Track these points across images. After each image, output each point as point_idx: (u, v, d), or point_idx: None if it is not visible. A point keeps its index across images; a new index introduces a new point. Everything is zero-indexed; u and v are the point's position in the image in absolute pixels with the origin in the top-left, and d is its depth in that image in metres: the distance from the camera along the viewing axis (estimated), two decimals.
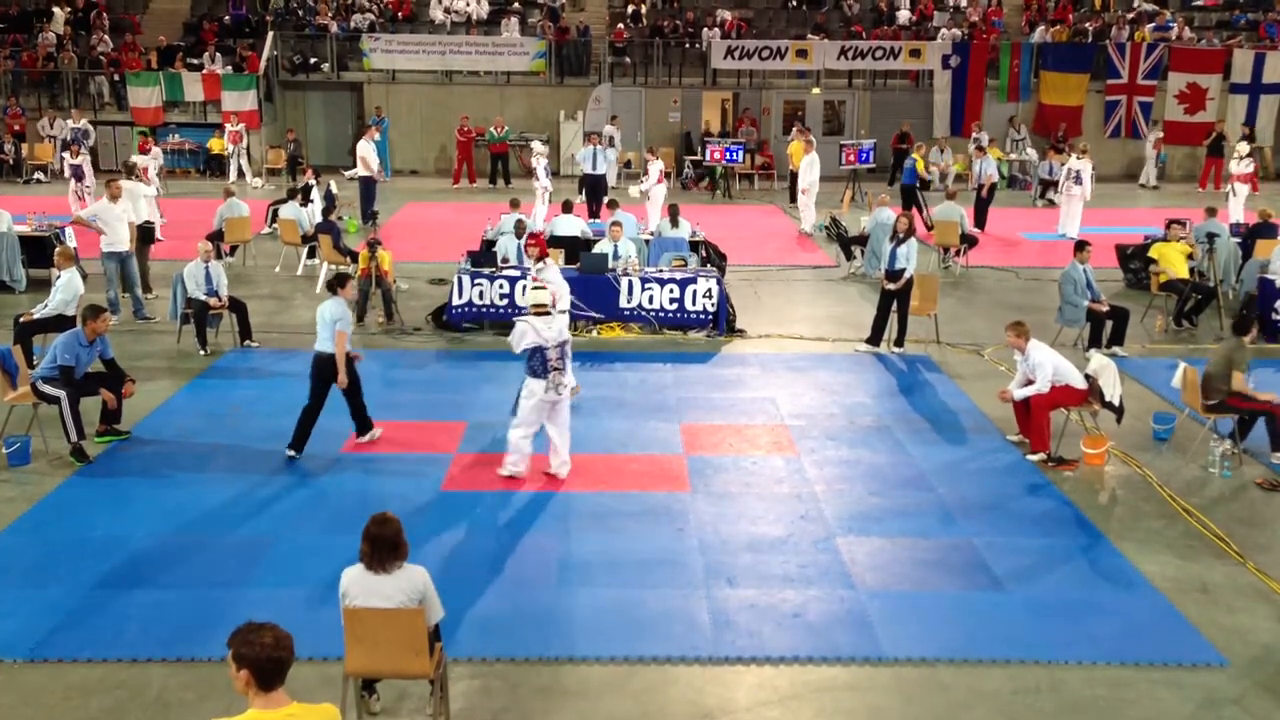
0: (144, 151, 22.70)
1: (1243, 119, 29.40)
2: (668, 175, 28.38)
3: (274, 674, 4.13)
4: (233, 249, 18.33)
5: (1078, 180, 21.45)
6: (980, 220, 21.65)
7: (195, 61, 29.49)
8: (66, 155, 22.65)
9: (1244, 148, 23.11)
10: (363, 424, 10.65)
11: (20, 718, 6.43)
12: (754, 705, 6.67)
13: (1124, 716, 6.58)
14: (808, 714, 6.60)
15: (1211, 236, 15.69)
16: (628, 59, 30.48)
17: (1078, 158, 21.87)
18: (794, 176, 24.10)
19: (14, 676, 6.84)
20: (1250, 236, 16.78)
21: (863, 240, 18.19)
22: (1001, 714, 6.59)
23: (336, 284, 10.36)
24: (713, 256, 16.43)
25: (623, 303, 14.41)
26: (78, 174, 21.54)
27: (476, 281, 14.44)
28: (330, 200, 20.43)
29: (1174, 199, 26.08)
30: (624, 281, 14.43)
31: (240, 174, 27.60)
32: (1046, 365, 10.38)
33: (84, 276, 12.91)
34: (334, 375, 10.11)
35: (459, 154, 28.16)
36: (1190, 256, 15.30)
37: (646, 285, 14.40)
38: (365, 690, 6.46)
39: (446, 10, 30.97)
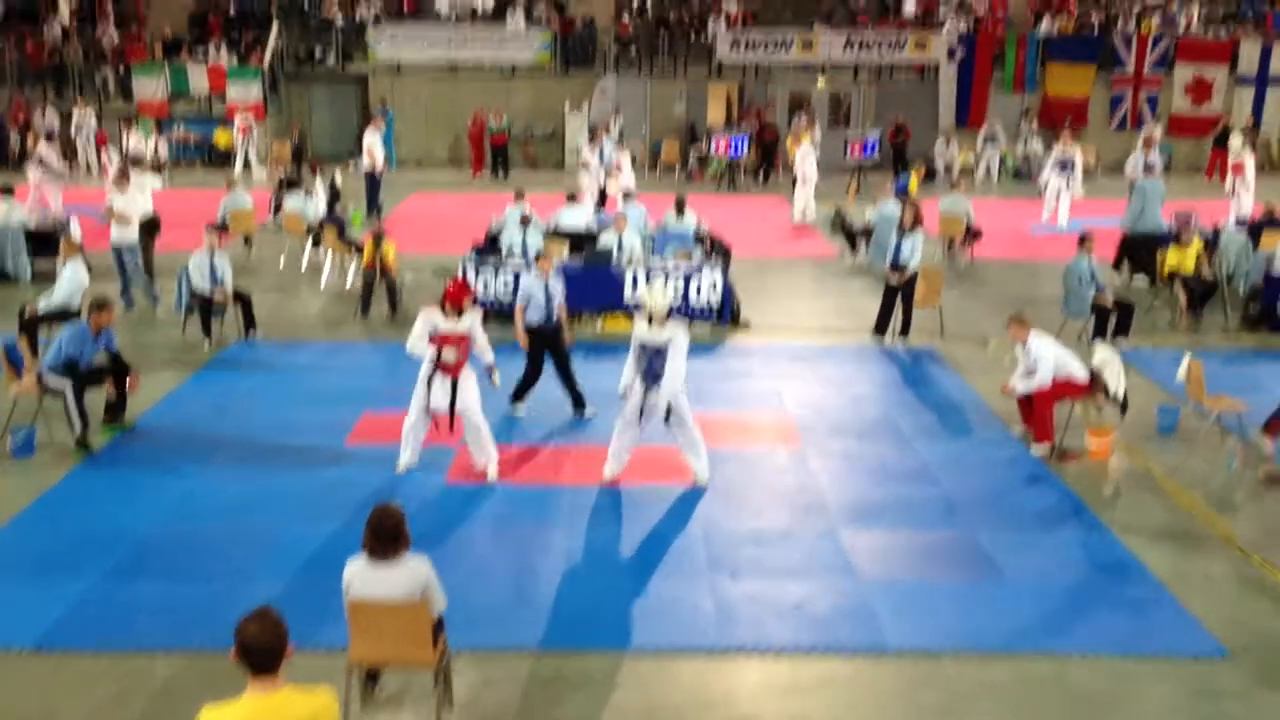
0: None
1: (1249, 111, 29.34)
2: (670, 168, 28.57)
3: (257, 661, 4.16)
4: (247, 239, 18.37)
5: (1063, 168, 21.48)
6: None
7: (200, 53, 29.50)
8: (44, 145, 22.33)
9: (1237, 141, 23.01)
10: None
11: (26, 708, 6.47)
12: (757, 696, 6.69)
13: (1127, 708, 6.59)
14: (810, 705, 6.61)
15: (1215, 230, 15.66)
16: (633, 50, 30.45)
17: (1065, 147, 21.91)
18: None
19: (20, 666, 6.87)
20: (1255, 230, 16.73)
21: (868, 232, 18.17)
22: (1005, 705, 6.60)
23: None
24: (717, 248, 16.41)
25: (627, 295, 14.40)
26: (44, 162, 21.26)
27: (481, 273, 14.44)
28: (335, 192, 20.44)
29: (1179, 192, 25.95)
30: (628, 274, 14.43)
31: (246, 165, 27.63)
32: (1048, 358, 10.36)
33: (89, 269, 12.94)
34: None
35: (474, 146, 28.24)
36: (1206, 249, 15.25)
37: (651, 277, 14.37)
38: (369, 680, 6.49)
39: (451, 3, 30.94)
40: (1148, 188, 17.38)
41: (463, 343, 9.37)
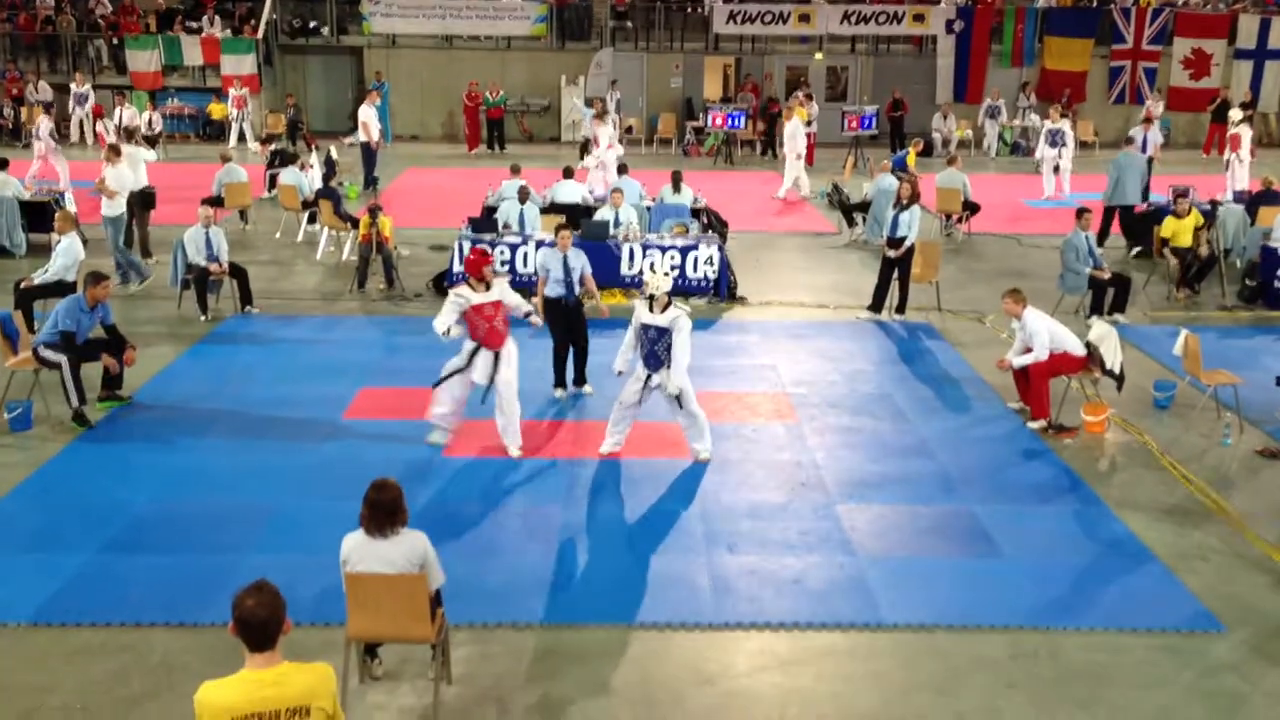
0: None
1: (1247, 85, 29.25)
2: (667, 142, 28.46)
3: (254, 635, 4.17)
4: (242, 212, 18.30)
5: (1052, 143, 21.50)
6: None
7: (194, 25, 29.30)
8: (44, 119, 22.18)
9: (1236, 114, 22.94)
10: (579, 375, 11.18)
11: (24, 681, 6.48)
12: (754, 670, 6.71)
13: (1121, 682, 6.62)
14: (807, 679, 6.64)
15: (1214, 204, 15.62)
16: (629, 23, 30.28)
17: (1053, 123, 21.91)
18: None
19: (17, 640, 6.88)
20: (1253, 204, 16.71)
21: (864, 207, 18.13)
22: (1000, 679, 6.63)
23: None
24: (714, 223, 16.38)
25: (624, 270, 14.38)
26: (40, 137, 21.18)
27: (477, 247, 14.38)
28: (330, 166, 20.34)
29: (1177, 166, 25.93)
30: (625, 248, 14.40)
31: (241, 138, 27.50)
32: (1042, 333, 10.36)
33: (85, 242, 12.90)
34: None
35: (468, 120, 28.11)
36: (1201, 226, 15.21)
37: (647, 252, 14.35)
38: (367, 654, 6.50)
39: None
40: (1123, 161, 17.54)
41: (499, 311, 9.45)
